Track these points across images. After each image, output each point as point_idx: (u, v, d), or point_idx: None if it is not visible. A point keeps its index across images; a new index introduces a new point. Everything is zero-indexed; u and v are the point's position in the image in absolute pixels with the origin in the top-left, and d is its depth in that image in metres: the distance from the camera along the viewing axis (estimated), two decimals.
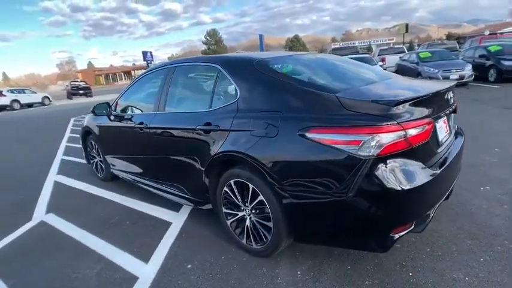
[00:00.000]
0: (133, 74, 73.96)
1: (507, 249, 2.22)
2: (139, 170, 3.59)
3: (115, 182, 4.41)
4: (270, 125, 2.09)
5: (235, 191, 2.41)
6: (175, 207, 3.44)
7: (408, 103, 1.82)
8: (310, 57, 2.93)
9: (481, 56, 11.94)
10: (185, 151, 2.78)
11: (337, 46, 34.44)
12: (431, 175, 1.86)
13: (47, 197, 4.18)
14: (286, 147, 2.00)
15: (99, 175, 4.59)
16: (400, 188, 1.74)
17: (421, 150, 1.87)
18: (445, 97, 2.18)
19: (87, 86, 29.92)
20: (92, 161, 4.70)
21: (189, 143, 2.70)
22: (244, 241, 2.48)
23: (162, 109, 3.08)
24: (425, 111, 1.89)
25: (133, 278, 2.35)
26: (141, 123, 3.23)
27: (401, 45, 23.96)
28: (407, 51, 19.51)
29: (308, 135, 1.90)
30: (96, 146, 4.37)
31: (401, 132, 1.76)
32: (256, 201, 2.27)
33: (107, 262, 2.59)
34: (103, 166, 4.38)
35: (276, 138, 2.04)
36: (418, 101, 1.86)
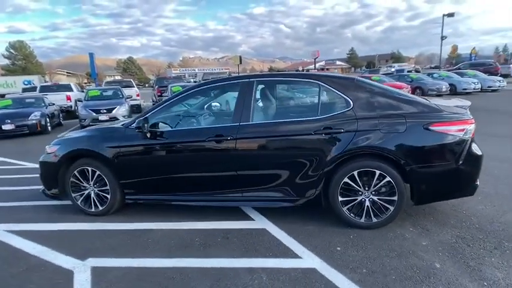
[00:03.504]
0: None
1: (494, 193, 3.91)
2: (198, 187, 3.45)
3: (122, 213, 3.76)
4: (398, 123, 2.93)
5: (357, 179, 3.03)
6: (241, 216, 3.53)
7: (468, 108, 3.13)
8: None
9: None
10: (296, 155, 3.12)
11: (207, 71, 38.54)
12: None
13: (38, 249, 3.13)
14: (415, 137, 2.90)
15: (92, 210, 3.74)
16: (480, 154, 3.00)
17: None
18: None
19: None
20: (77, 195, 3.75)
21: (303, 146, 3.10)
22: (362, 220, 3.09)
23: (246, 120, 3.22)
24: None
25: (312, 270, 2.54)
26: (220, 135, 3.21)
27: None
28: None
29: (431, 128, 2.89)
30: (97, 173, 3.61)
31: (474, 124, 3.03)
32: (381, 183, 2.99)
33: (267, 270, 2.58)
34: (108, 196, 3.65)
35: (405, 132, 2.90)
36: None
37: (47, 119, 10.95)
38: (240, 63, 35.68)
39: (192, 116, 3.72)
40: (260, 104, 3.33)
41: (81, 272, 2.71)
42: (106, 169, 3.58)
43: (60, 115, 13.33)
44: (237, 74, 36.32)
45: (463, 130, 2.91)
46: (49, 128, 11.12)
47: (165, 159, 3.47)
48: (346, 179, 3.04)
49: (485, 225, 3.10)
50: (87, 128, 4.12)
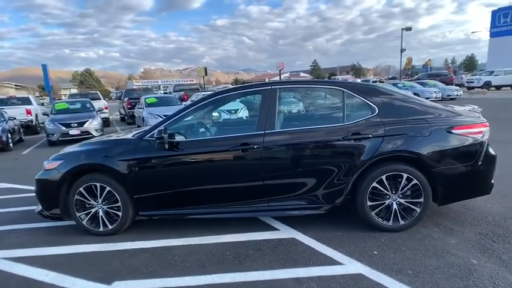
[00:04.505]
0: None
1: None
2: (220, 199, 3.33)
3: (132, 231, 3.50)
4: (423, 128, 3.05)
5: (386, 183, 3.09)
6: (264, 227, 3.44)
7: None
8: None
9: None
10: (325, 161, 3.13)
11: (177, 83, 37.27)
12: None
13: (52, 276, 2.81)
14: (439, 140, 3.04)
15: (101, 229, 3.44)
16: (495, 155, 3.19)
17: None
18: None
19: None
20: (82, 214, 3.42)
21: (332, 153, 3.12)
22: (390, 223, 3.15)
23: (271, 128, 3.18)
24: None
25: (359, 276, 2.53)
26: (245, 144, 3.13)
27: (231, 86, 29.74)
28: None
29: (453, 131, 3.05)
30: (108, 188, 3.33)
31: (489, 127, 3.23)
32: (408, 186, 3.07)
33: (315, 279, 2.52)
34: (119, 213, 3.38)
35: (430, 136, 3.03)
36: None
37: (8, 135, 10.03)
38: (206, 74, 35.44)
39: (211, 125, 3.60)
40: (284, 111, 3.31)
41: None
42: (117, 184, 3.32)
43: (21, 130, 12.30)
44: (203, 86, 36.03)
45: (481, 132, 3.10)
46: (11, 144, 10.19)
47: (185, 171, 3.29)
48: (374, 184, 3.09)
49: (500, 221, 3.30)
50: (90, 140, 3.82)
